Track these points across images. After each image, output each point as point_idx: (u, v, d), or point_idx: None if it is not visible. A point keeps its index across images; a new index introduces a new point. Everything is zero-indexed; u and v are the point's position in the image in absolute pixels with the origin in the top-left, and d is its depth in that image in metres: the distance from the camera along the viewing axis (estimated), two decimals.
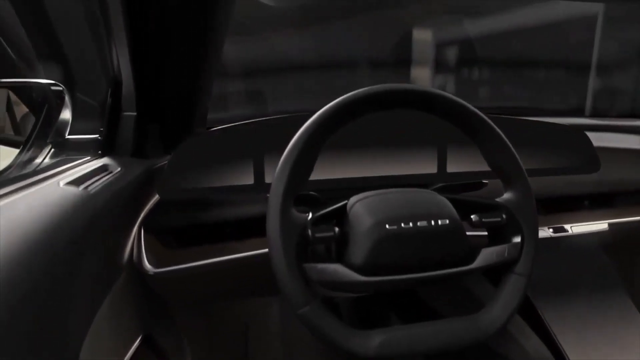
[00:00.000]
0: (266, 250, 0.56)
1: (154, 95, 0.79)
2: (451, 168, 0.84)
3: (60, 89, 0.74)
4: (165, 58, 0.77)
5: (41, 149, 0.74)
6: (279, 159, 0.57)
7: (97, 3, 0.67)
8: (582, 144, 0.90)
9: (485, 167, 0.84)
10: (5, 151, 0.79)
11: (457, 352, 0.59)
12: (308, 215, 0.58)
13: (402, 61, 1.68)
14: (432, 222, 0.59)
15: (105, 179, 0.63)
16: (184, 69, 0.79)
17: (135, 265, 0.70)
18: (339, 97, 0.59)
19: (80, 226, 0.51)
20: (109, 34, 0.70)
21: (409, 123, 0.82)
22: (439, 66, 1.75)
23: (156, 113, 0.81)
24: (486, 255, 0.62)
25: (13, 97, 0.82)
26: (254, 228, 0.75)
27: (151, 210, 0.75)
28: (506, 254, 0.62)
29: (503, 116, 0.84)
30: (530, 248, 0.63)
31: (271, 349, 1.12)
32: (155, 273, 0.70)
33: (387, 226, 0.58)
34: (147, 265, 0.70)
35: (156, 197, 0.77)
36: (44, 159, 0.74)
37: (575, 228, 0.96)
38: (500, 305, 0.62)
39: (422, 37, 1.70)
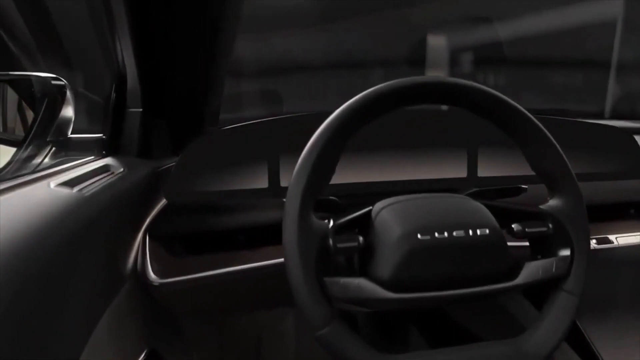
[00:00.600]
0: (281, 260, 0.52)
1: (160, 90, 0.76)
2: (482, 172, 0.80)
3: (62, 83, 0.70)
4: (172, 50, 0.74)
5: (40, 148, 0.70)
6: (297, 160, 0.53)
7: None
8: (630, 147, 0.85)
9: (519, 172, 0.78)
10: (5, 151, 0.75)
11: None
12: (329, 223, 0.53)
13: (417, 62, 1.71)
14: (470, 232, 0.54)
15: (105, 180, 0.60)
16: (192, 62, 0.76)
17: (139, 275, 0.67)
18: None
19: (72, 232, 0.47)
20: (112, 24, 0.67)
21: (436, 122, 0.79)
22: (455, 68, 1.78)
23: (163, 110, 0.79)
24: (531, 270, 0.56)
25: None
26: (268, 236, 0.71)
27: (157, 216, 0.72)
28: (554, 269, 0.56)
29: (543, 116, 0.79)
30: (581, 263, 0.57)
31: None
32: (161, 284, 0.66)
33: (418, 236, 0.53)
34: (151, 275, 0.67)
35: (163, 201, 0.74)
36: (43, 159, 0.70)
37: (621, 239, 0.89)
38: (548, 328, 0.56)
39: (437, 41, 1.73)
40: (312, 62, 1.47)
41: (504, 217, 0.58)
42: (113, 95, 0.71)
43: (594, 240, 0.88)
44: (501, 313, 0.90)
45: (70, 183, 0.54)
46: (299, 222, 0.51)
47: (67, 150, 0.72)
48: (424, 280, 0.53)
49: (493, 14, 1.71)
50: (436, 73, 1.76)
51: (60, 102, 0.71)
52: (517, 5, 1.76)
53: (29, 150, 0.68)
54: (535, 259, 0.58)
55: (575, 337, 0.83)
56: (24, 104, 0.80)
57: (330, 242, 0.52)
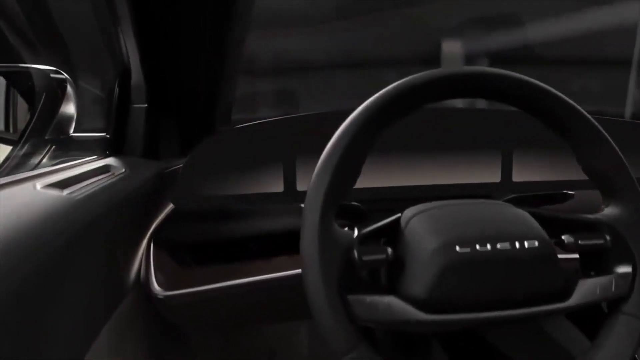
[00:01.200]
0: (297, 271, 0.49)
1: (166, 85, 0.75)
2: (517, 177, 0.76)
3: (63, 77, 0.68)
4: (178, 41, 0.73)
5: (38, 147, 0.68)
6: (315, 162, 0.49)
7: None
8: None
9: (559, 177, 0.73)
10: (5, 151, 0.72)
11: None
12: (353, 232, 0.49)
13: (432, 62, 1.72)
14: (517, 244, 0.48)
15: (102, 181, 0.57)
16: (200, 55, 0.75)
17: (142, 286, 0.64)
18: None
19: (63, 238, 0.44)
20: (115, 14, 0.65)
21: (465, 122, 0.76)
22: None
23: (170, 106, 0.77)
24: (586, 289, 0.50)
25: None
26: (283, 244, 0.68)
27: (163, 221, 0.70)
28: (613, 288, 0.50)
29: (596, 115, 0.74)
30: None
31: None
32: (166, 296, 0.63)
33: (457, 249, 0.47)
34: (156, 286, 0.63)
35: (169, 205, 0.72)
36: (41, 159, 0.68)
37: None
38: (608, 356, 0.49)
39: (452, 45, 1.74)
40: (329, 61, 1.49)
41: (552, 227, 0.52)
42: (116, 90, 0.70)
43: None
44: (540, 334, 0.85)
45: (59, 185, 0.51)
46: (320, 231, 0.46)
47: (67, 149, 0.70)
48: (463, 300, 0.48)
49: (509, 16, 1.73)
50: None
51: (61, 98, 0.68)
52: (533, 8, 1.78)
53: (25, 148, 0.66)
54: (588, 275, 0.52)
55: None
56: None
57: (356, 254, 0.47)
